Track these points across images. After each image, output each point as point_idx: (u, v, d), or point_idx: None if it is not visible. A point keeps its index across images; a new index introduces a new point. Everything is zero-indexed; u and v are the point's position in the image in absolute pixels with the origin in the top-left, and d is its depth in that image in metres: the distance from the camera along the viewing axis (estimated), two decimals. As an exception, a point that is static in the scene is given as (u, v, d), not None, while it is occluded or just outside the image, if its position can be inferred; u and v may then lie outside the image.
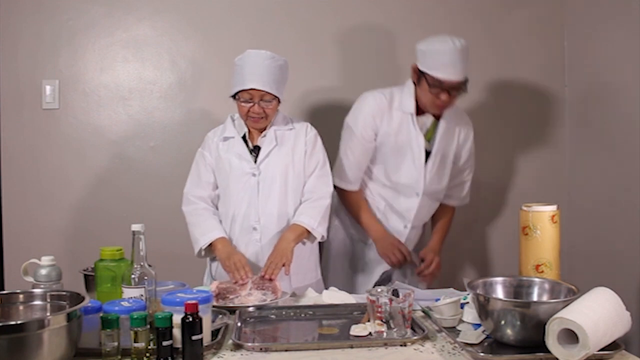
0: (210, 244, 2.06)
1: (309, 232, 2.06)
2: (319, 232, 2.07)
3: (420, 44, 2.17)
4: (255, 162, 2.11)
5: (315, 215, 2.06)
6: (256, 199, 2.09)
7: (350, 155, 2.29)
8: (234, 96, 2.09)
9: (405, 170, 2.28)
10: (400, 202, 2.33)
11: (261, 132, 2.14)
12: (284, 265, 1.96)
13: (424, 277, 2.31)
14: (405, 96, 2.26)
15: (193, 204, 2.14)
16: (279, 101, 2.09)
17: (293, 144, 2.13)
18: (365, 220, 2.33)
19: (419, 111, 2.26)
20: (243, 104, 2.04)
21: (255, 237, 2.09)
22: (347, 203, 2.38)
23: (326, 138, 2.25)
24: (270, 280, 1.90)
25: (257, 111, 2.03)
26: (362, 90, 2.36)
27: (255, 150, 2.12)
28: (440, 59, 2.10)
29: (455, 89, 2.14)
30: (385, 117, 2.25)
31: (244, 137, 2.14)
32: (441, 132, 2.28)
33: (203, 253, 2.09)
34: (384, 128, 2.25)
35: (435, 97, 2.15)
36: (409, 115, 2.24)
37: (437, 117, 2.29)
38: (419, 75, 2.18)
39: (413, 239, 2.41)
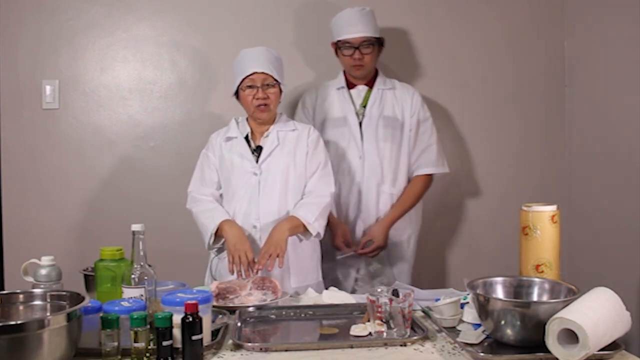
0: (218, 231, 2.03)
1: (305, 228, 2.04)
2: (315, 228, 2.04)
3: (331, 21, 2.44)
4: (257, 161, 2.11)
5: (313, 210, 2.05)
6: (257, 197, 2.09)
7: None
8: (237, 95, 2.12)
9: (346, 136, 2.42)
10: (348, 162, 2.42)
11: (263, 132, 2.15)
12: (278, 256, 1.94)
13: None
14: (339, 76, 2.51)
15: (199, 200, 2.14)
16: (280, 91, 2.11)
17: (295, 144, 2.13)
18: None
19: (352, 85, 2.48)
20: (247, 91, 2.07)
21: (255, 235, 2.09)
22: None
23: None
24: (271, 281, 1.89)
25: (261, 96, 2.06)
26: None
27: (258, 150, 2.13)
28: (342, 23, 2.39)
29: (365, 46, 2.36)
30: (317, 98, 2.49)
31: (246, 138, 2.15)
32: (373, 96, 2.45)
33: (212, 240, 2.06)
34: (318, 109, 2.46)
35: (350, 58, 2.38)
36: (342, 90, 2.47)
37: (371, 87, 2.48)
38: (336, 48, 2.44)
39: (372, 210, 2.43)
